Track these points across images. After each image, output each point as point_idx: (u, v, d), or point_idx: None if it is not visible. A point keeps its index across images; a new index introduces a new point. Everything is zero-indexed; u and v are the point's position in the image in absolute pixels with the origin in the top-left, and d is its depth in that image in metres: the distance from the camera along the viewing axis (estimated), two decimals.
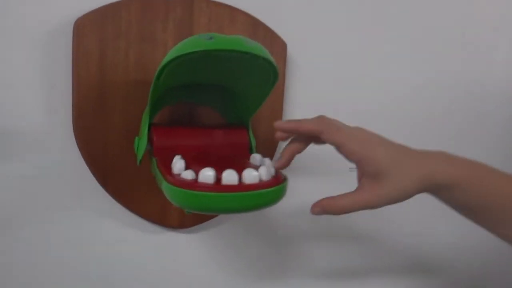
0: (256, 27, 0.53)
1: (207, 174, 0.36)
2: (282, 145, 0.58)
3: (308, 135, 0.42)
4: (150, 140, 0.45)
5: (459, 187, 0.39)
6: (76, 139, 0.49)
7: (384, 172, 0.39)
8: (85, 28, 0.47)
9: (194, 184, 0.36)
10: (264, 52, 0.38)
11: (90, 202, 0.51)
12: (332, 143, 0.41)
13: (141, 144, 0.44)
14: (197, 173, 0.36)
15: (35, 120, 0.48)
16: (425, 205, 0.51)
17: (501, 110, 0.70)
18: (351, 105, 0.61)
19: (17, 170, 0.48)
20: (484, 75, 0.68)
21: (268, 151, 0.56)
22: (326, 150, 0.61)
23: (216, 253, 0.58)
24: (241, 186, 0.36)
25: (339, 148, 0.41)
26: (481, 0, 0.66)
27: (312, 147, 0.60)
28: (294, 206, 0.61)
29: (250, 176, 0.36)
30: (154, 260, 0.55)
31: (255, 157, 0.43)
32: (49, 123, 0.49)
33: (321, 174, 0.62)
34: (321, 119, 0.42)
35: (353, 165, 0.64)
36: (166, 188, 0.37)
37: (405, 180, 0.38)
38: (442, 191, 0.39)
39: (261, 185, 0.37)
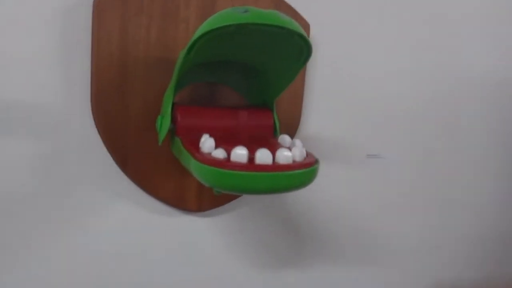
0: (279, 6, 0.52)
1: (240, 153, 0.34)
2: (301, 130, 0.57)
3: None
4: (173, 119, 0.43)
5: None
6: (94, 119, 0.47)
7: None
8: (106, 4, 0.45)
9: (226, 163, 0.34)
10: (299, 28, 0.37)
11: (108, 184, 0.50)
12: None
13: (164, 123, 0.43)
14: (228, 152, 0.35)
15: (53, 99, 0.46)
16: None
17: None
18: (372, 90, 0.60)
19: (34, 150, 0.46)
20: None
21: (289, 131, 0.55)
22: (345, 137, 0.60)
23: (233, 237, 0.57)
24: (275, 166, 0.35)
25: None
26: None
27: (329, 135, 0.59)
28: (312, 193, 0.61)
29: (284, 156, 0.35)
30: (170, 243, 0.54)
31: (285, 138, 0.42)
32: (67, 103, 0.47)
33: (339, 162, 0.61)
34: None
35: (371, 152, 0.64)
36: (196, 167, 0.36)
37: None
38: None
39: (295, 166, 0.35)
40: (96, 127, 0.47)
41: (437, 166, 0.67)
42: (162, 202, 0.52)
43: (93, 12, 0.45)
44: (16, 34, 0.44)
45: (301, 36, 0.37)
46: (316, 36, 0.55)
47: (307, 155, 0.39)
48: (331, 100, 0.59)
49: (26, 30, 0.44)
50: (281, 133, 0.52)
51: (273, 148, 0.36)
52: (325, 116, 0.59)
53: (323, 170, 0.60)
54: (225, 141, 0.39)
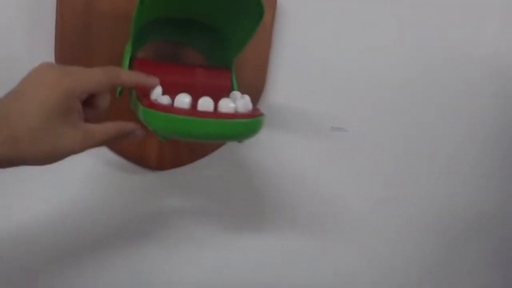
0: None
1: (183, 100, 0.36)
2: (265, 98, 0.58)
3: None
4: None
5: None
6: None
7: None
8: None
9: (169, 108, 0.36)
10: None
11: None
12: None
13: None
14: (173, 99, 0.37)
15: (16, 51, 0.47)
16: None
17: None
18: (339, 65, 0.61)
19: None
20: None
21: (252, 97, 0.56)
22: (310, 109, 0.62)
23: (191, 198, 0.59)
24: (215, 114, 0.36)
25: None
26: None
27: (294, 105, 0.60)
28: (275, 160, 0.62)
29: (226, 106, 0.37)
30: (128, 198, 0.56)
31: (235, 94, 0.43)
32: (31, 51, 0.48)
33: (303, 132, 0.63)
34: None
35: (335, 125, 0.65)
36: (142, 112, 0.37)
37: None
38: None
39: (235, 115, 0.37)
40: None
41: (398, 139, 0.68)
42: (123, 158, 0.54)
43: None
44: None
45: None
46: (283, 3, 0.56)
47: (253, 109, 0.40)
48: (298, 71, 0.60)
49: None
50: None
51: (219, 98, 0.38)
52: (290, 87, 0.60)
53: (287, 140, 0.61)
54: (176, 91, 0.40)
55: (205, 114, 0.36)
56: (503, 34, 0.69)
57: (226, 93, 0.48)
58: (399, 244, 0.73)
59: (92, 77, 0.35)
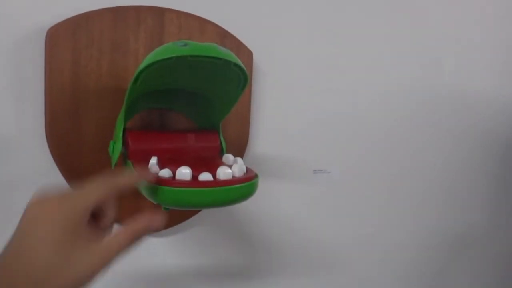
0: (224, 37, 0.57)
1: (184, 172, 0.38)
2: (250, 150, 0.61)
3: None
4: (124, 144, 0.46)
5: None
6: (49, 146, 0.49)
7: None
8: (58, 37, 0.48)
9: (172, 181, 0.38)
10: (235, 58, 0.41)
11: None
12: None
13: (116, 147, 0.46)
14: (174, 172, 0.39)
15: (7, 128, 0.48)
16: None
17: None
18: (315, 112, 0.66)
19: None
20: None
21: (237, 153, 0.59)
22: (291, 155, 0.65)
23: (189, 255, 0.60)
24: (216, 182, 0.38)
25: None
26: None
27: (277, 153, 0.64)
28: (263, 209, 0.64)
29: (224, 173, 0.39)
30: (126, 263, 0.56)
31: (228, 157, 0.46)
32: (22, 128, 0.49)
33: (287, 178, 0.66)
34: None
35: (317, 168, 0.68)
36: (145, 187, 0.39)
37: None
38: None
39: (234, 181, 0.39)
40: (50, 152, 0.50)
41: (379, 178, 0.72)
42: (118, 223, 0.54)
43: (46, 45, 0.48)
44: None
45: (237, 66, 0.41)
46: (259, 63, 0.60)
47: (247, 171, 0.43)
48: (278, 120, 0.64)
49: None
50: (228, 152, 0.56)
51: (216, 166, 0.40)
52: (272, 136, 0.63)
53: (273, 187, 0.64)
54: (173, 162, 0.42)
55: (206, 183, 0.38)
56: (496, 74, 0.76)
57: (216, 154, 0.50)
58: (386, 273, 0.76)
59: (89, 196, 0.34)
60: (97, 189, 0.34)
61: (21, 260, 0.30)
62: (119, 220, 0.53)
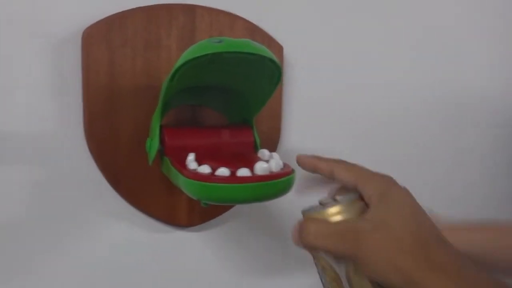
0: (254, 32, 0.57)
1: (223, 170, 0.39)
2: (282, 146, 0.61)
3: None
4: (161, 140, 0.47)
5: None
6: (88, 143, 0.51)
7: None
8: (93, 37, 0.50)
9: (211, 177, 0.38)
10: (270, 53, 0.41)
11: (101, 204, 0.53)
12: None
13: (153, 145, 0.47)
14: (212, 167, 0.39)
15: (47, 126, 0.50)
16: None
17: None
18: (345, 105, 0.65)
19: (29, 175, 0.50)
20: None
21: (269, 148, 0.59)
22: (324, 148, 0.65)
23: (224, 250, 0.61)
24: (254, 177, 0.39)
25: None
26: None
27: (309, 147, 0.63)
28: (295, 204, 0.64)
29: (262, 168, 0.39)
30: (163, 258, 0.57)
31: (264, 152, 0.46)
32: (61, 129, 0.50)
33: None
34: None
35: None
36: (184, 182, 0.40)
37: None
38: None
39: (272, 176, 0.39)
40: (90, 151, 0.51)
41: (414, 175, 0.71)
42: (154, 219, 0.56)
43: (82, 45, 0.49)
44: (11, 68, 0.48)
45: (272, 61, 0.41)
46: (289, 57, 0.60)
47: (284, 166, 0.43)
48: (309, 114, 0.63)
49: (21, 64, 0.48)
50: (262, 147, 0.56)
51: (253, 161, 0.40)
52: (304, 130, 0.63)
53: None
54: (210, 158, 0.43)
55: (245, 179, 0.38)
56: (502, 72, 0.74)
57: (250, 149, 0.50)
58: None
59: None
60: None
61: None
62: (156, 216, 0.55)
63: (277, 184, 0.40)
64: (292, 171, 0.42)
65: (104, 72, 0.50)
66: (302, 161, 0.39)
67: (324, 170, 0.37)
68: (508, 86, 0.77)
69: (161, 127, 0.47)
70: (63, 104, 0.50)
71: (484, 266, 0.40)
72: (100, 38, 0.50)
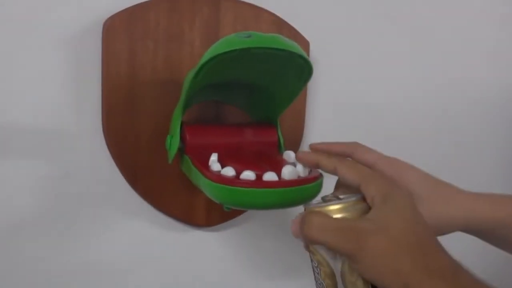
0: (280, 26, 0.54)
1: (248, 174, 0.36)
2: (306, 143, 0.59)
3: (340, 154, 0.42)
4: (182, 138, 0.45)
5: (503, 229, 0.38)
6: (105, 139, 0.49)
7: (418, 194, 0.38)
8: (114, 28, 0.48)
9: (236, 180, 0.36)
10: (300, 50, 0.39)
11: (119, 201, 0.51)
12: (363, 162, 0.40)
13: (174, 142, 0.45)
14: (236, 170, 0.37)
15: (65, 120, 0.48)
16: None
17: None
18: (371, 104, 0.62)
19: (47, 170, 0.48)
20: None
21: (291, 148, 0.56)
22: None
23: (242, 250, 0.59)
24: (281, 182, 0.36)
25: (371, 167, 0.39)
26: None
27: None
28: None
29: (289, 172, 0.37)
30: (181, 257, 0.56)
31: (289, 154, 0.44)
32: (79, 123, 0.49)
33: None
34: (353, 142, 0.42)
35: None
36: (207, 185, 0.38)
37: (447, 210, 0.38)
38: (483, 232, 0.39)
39: (300, 181, 0.37)
40: (107, 146, 0.49)
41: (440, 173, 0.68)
42: (172, 218, 0.54)
43: (102, 36, 0.47)
44: (29, 59, 0.46)
45: (302, 57, 0.39)
46: (315, 52, 0.57)
47: (311, 169, 0.41)
48: (333, 114, 0.61)
49: (38, 52, 0.46)
50: (285, 147, 0.54)
51: (279, 164, 0.38)
52: (327, 130, 0.60)
53: (330, 183, 0.61)
54: (232, 158, 0.41)
55: (272, 184, 0.36)
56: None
57: (274, 149, 0.48)
58: None
59: None
60: None
61: None
62: (174, 215, 0.53)
63: (305, 190, 0.37)
64: (320, 175, 0.40)
65: (124, 65, 0.48)
66: (303, 159, 0.39)
67: (327, 167, 0.36)
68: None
69: (182, 124, 0.45)
70: (81, 98, 0.49)
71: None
72: (121, 30, 0.48)
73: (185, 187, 0.52)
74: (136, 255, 0.54)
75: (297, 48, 0.39)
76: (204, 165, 0.40)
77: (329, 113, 0.60)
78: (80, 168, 0.50)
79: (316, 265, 0.33)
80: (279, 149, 0.49)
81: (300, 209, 0.51)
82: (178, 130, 0.45)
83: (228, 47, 0.36)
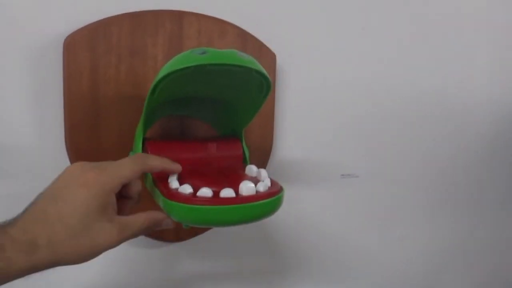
0: (246, 39, 0.54)
1: (206, 191, 0.36)
2: (275, 155, 0.59)
3: None
4: None
5: None
6: (69, 155, 0.48)
7: None
8: (76, 45, 0.47)
9: (191, 198, 0.36)
10: (257, 65, 0.39)
11: None
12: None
13: None
14: (195, 186, 0.37)
15: (26, 137, 0.48)
16: None
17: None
18: (339, 113, 0.62)
19: (10, 189, 0.48)
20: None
21: (261, 161, 0.56)
22: (318, 158, 0.62)
23: (212, 264, 0.58)
24: (238, 199, 0.36)
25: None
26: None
27: (302, 158, 0.61)
28: (289, 215, 0.62)
29: (248, 188, 0.37)
30: (152, 272, 0.55)
31: (251, 169, 0.43)
32: (42, 140, 0.48)
33: (314, 183, 0.63)
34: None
35: (345, 172, 0.65)
36: (164, 203, 0.37)
37: None
38: None
39: (258, 196, 0.37)
40: (71, 163, 0.48)
41: (409, 182, 0.69)
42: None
43: (64, 52, 0.47)
44: None
45: (259, 73, 0.39)
46: (283, 64, 0.57)
47: (272, 184, 0.40)
48: (302, 122, 0.61)
49: None
50: (253, 160, 0.54)
51: (239, 179, 0.38)
52: (297, 140, 0.60)
53: (299, 192, 0.61)
54: (194, 174, 0.40)
55: (228, 200, 0.36)
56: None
57: (239, 162, 0.48)
58: (415, 278, 0.73)
59: (125, 169, 0.35)
60: (130, 165, 0.36)
61: (48, 220, 0.32)
62: None
63: (263, 206, 0.37)
64: (280, 189, 0.40)
65: (86, 81, 0.48)
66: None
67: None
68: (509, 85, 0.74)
69: (144, 139, 0.45)
70: (43, 115, 0.48)
71: None
72: (83, 46, 0.47)
73: (153, 203, 0.51)
74: (107, 272, 0.53)
75: (254, 63, 0.39)
76: (163, 182, 0.40)
77: (299, 123, 0.60)
78: (44, 185, 0.49)
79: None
80: (244, 162, 0.48)
81: (260, 223, 0.51)
82: (140, 145, 0.44)
83: (182, 64, 0.36)
